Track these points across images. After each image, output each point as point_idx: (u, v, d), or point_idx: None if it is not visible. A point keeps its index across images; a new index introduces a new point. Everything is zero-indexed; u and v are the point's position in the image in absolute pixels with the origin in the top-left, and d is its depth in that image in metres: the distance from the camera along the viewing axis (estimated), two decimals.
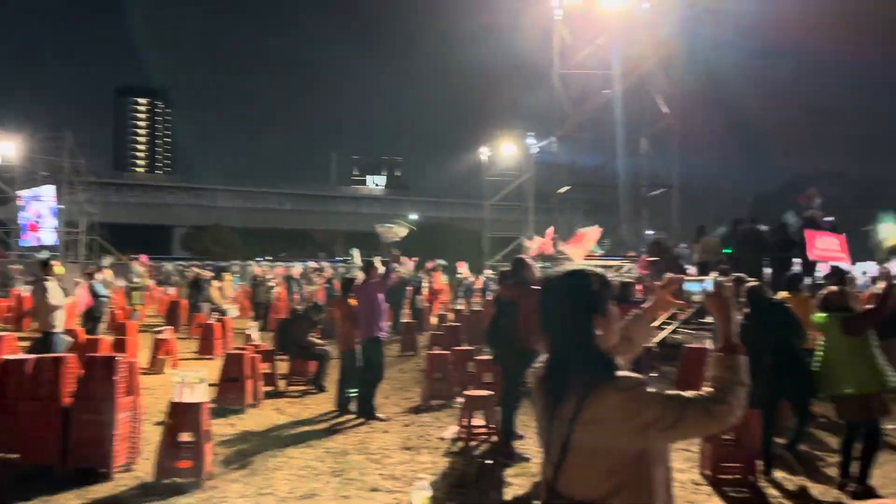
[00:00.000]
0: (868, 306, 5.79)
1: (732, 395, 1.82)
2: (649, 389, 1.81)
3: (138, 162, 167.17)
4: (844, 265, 12.86)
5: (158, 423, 6.24)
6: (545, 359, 1.99)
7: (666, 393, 1.83)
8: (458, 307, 16.95)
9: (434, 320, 15.82)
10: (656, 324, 13.45)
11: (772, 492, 5.52)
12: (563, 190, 18.65)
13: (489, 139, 33.02)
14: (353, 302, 8.27)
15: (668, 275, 2.35)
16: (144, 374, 9.52)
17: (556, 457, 1.85)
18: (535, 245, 14.38)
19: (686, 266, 17.13)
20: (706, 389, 1.86)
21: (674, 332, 13.75)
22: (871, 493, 5.23)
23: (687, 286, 2.77)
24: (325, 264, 25.33)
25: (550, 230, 14.37)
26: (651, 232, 20.17)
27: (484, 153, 33.71)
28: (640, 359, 8.56)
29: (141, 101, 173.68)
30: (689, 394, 1.85)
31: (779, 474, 5.83)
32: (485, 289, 18.22)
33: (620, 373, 1.87)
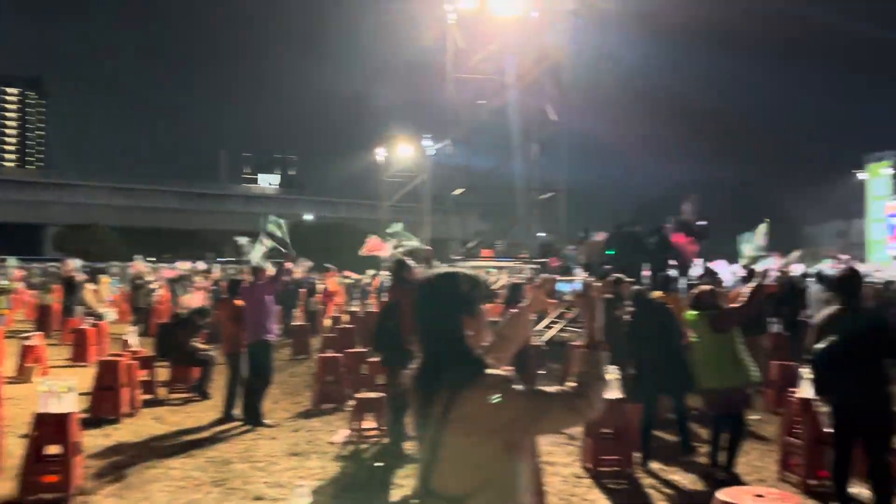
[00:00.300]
0: (734, 304, 6.19)
1: (593, 390, 1.92)
2: (515, 386, 1.87)
3: (7, 156, 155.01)
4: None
5: (24, 436, 5.80)
6: (418, 359, 2.02)
7: (531, 389, 1.91)
8: (353, 309, 16.79)
9: (328, 322, 15.60)
10: (544, 323, 13.95)
11: (647, 481, 5.81)
12: (457, 192, 18.89)
13: (386, 140, 33.00)
14: (239, 304, 8.02)
15: (543, 275, 2.43)
16: (10, 383, 8.85)
17: (429, 455, 1.89)
18: (370, 244, 14.49)
19: (573, 266, 17.84)
20: (569, 384, 1.94)
21: (561, 330, 14.27)
22: (736, 481, 5.61)
23: (560, 286, 2.89)
24: (212, 265, 24.40)
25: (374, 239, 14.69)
26: (543, 234, 20.84)
27: (381, 154, 33.63)
28: (528, 356, 8.89)
29: (10, 91, 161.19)
30: (552, 389, 1.93)
31: (654, 465, 6.15)
32: (380, 290, 18.15)
33: (489, 371, 1.92)
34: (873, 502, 4.72)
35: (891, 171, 39.05)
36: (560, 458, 6.48)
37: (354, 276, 21.17)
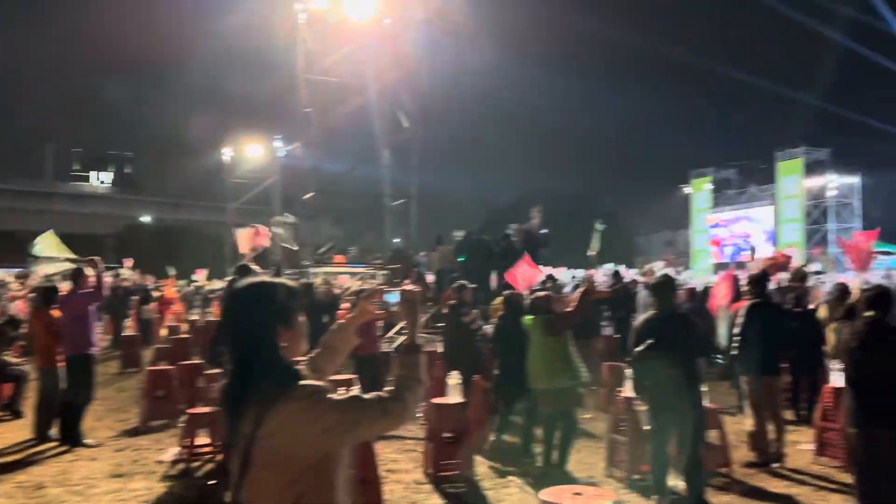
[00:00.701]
0: (567, 309, 6.48)
1: (410, 393, 1.90)
2: (328, 396, 1.83)
3: None
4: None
5: None
6: (228, 371, 1.92)
7: (344, 397, 1.87)
8: (193, 317, 15.88)
9: (164, 332, 14.64)
10: (395, 330, 13.91)
11: (486, 483, 5.92)
12: (308, 196, 18.49)
13: (233, 139, 31.64)
14: (55, 314, 7.29)
15: (370, 286, 2.39)
16: None
17: (238, 471, 1.80)
18: (245, 239, 13.62)
19: (425, 273, 18.05)
20: (386, 388, 1.92)
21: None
22: (568, 479, 5.86)
23: (387, 297, 2.88)
24: (31, 270, 22.12)
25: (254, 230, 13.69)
26: (398, 240, 20.92)
27: (227, 153, 32.21)
28: (376, 363, 8.81)
29: None
30: (367, 395, 1.90)
31: (493, 466, 6.29)
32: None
33: (302, 382, 1.86)
34: (688, 493, 5.10)
35: (711, 186, 43.06)
36: (404, 465, 6.47)
37: (203, 279, 20.09)
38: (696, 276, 28.12)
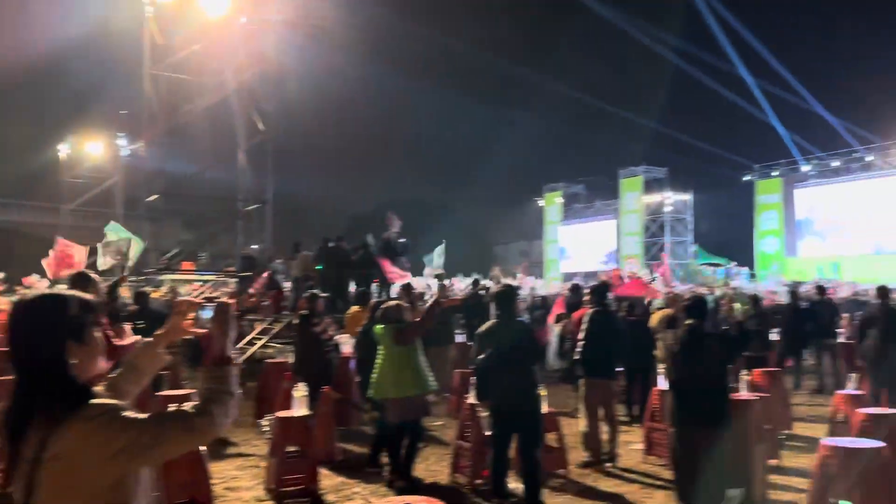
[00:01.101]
0: (416, 318, 6.50)
1: (217, 406, 1.80)
2: (123, 414, 1.71)
3: None
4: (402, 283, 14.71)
5: None
6: (11, 390, 1.74)
7: (142, 415, 1.74)
8: None
9: None
10: (245, 341, 13.36)
11: (330, 497, 5.80)
12: (153, 198, 17.39)
13: (70, 135, 29.20)
14: None
15: (182, 301, 2.23)
16: None
17: (22, 499, 1.65)
18: (52, 264, 12.53)
19: (282, 281, 17.54)
20: (192, 403, 1.84)
21: (263, 346, 13.89)
22: (414, 486, 5.88)
23: (203, 312, 2.73)
24: None
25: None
26: (255, 246, 20.18)
27: (63, 150, 29.69)
28: None
29: None
30: (168, 412, 1.84)
31: (338, 479, 6.18)
32: None
33: (94, 402, 1.72)
34: (525, 495, 5.26)
35: (561, 200, 45.36)
36: (245, 482, 6.21)
37: (36, 286, 18.26)
38: (547, 285, 29.43)
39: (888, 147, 31.37)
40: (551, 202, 46.16)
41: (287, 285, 16.34)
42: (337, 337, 8.60)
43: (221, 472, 6.40)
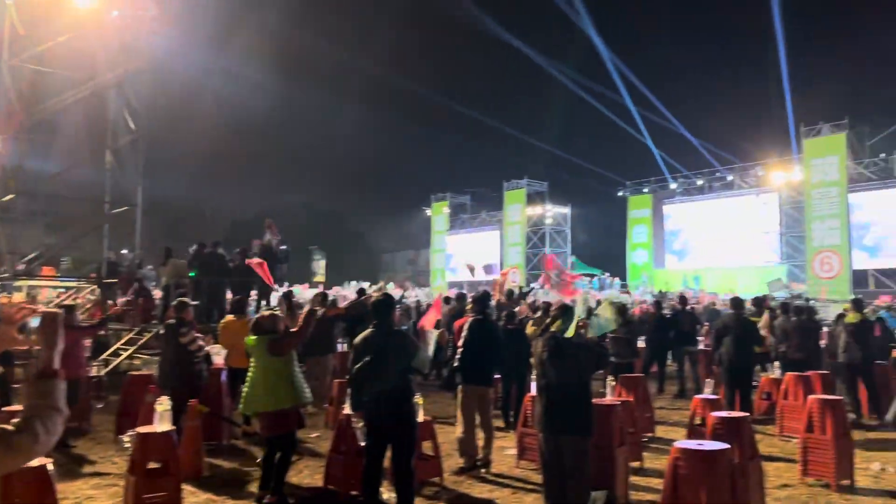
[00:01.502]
0: (293, 329, 6.34)
1: (41, 423, 1.68)
2: None
3: None
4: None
5: None
6: None
7: None
8: None
9: None
10: (109, 352, 12.56)
11: None
12: (8, 198, 16.00)
13: None
14: None
15: (13, 305, 2.05)
16: None
17: None
18: None
19: (152, 288, 16.63)
20: (13, 420, 1.68)
21: (129, 358, 13.12)
22: (283, 501, 5.71)
23: (32, 321, 2.52)
24: None
25: None
26: (124, 252, 18.99)
27: None
28: (78, 388, 7.84)
29: None
30: None
31: (204, 496, 5.91)
32: None
33: None
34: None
35: (448, 209, 45.98)
36: (101, 501, 5.82)
37: None
38: (432, 293, 29.64)
39: (746, 168, 34.09)
40: (438, 212, 46.68)
41: (158, 293, 15.52)
42: (208, 347, 8.25)
43: (76, 492, 5.97)
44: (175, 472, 5.59)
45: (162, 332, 8.08)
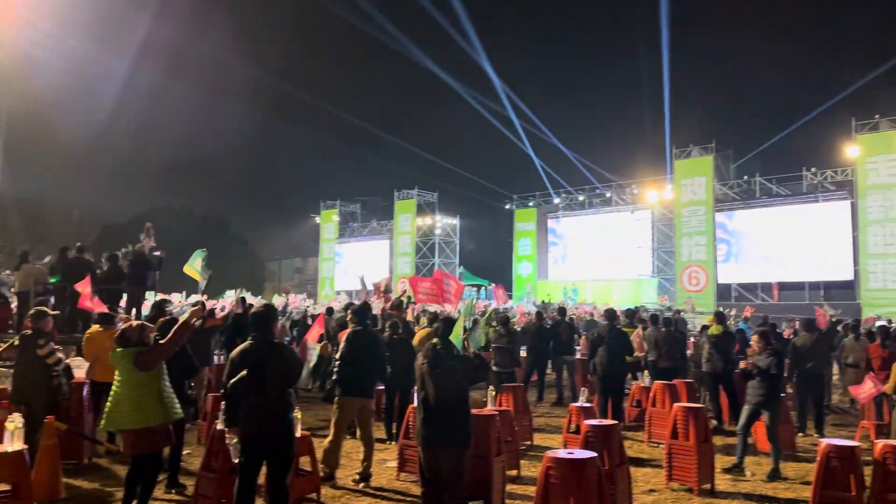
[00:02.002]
0: (161, 341, 6.01)
1: None
2: None
3: None
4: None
5: None
6: None
7: None
8: None
9: None
10: None
11: None
12: None
13: None
14: None
15: None
16: None
17: None
18: None
19: (8, 295, 15.33)
20: None
21: None
22: None
23: None
24: None
25: None
26: None
27: None
28: None
29: None
30: None
31: None
32: None
33: None
34: None
35: (338, 218, 45.46)
36: None
37: None
38: (319, 303, 29.14)
39: (622, 186, 35.96)
40: (328, 219, 46.07)
41: (13, 298, 14.34)
42: (70, 359, 7.69)
43: None
44: (26, 495, 5.15)
45: (17, 342, 7.44)
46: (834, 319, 15.18)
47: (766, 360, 7.37)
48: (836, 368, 13.26)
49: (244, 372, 5.08)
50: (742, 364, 7.75)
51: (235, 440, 5.19)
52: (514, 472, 6.93)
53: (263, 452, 5.08)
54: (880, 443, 5.67)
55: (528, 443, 8.58)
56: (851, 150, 26.78)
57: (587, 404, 8.26)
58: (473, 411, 5.44)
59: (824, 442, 5.75)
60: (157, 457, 5.61)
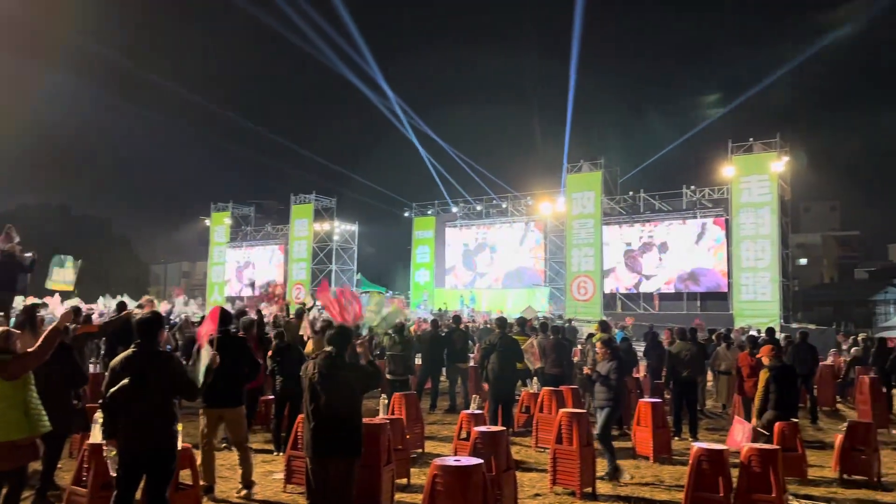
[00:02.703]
0: (29, 349, 5.61)
1: None
2: None
3: None
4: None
5: None
6: None
7: None
8: None
9: None
10: None
11: None
12: None
13: None
14: None
15: None
16: None
17: None
18: None
19: None
20: None
21: None
22: None
23: None
24: None
25: None
26: None
27: None
28: None
29: None
30: None
31: None
32: None
33: None
34: None
35: (230, 221, 44.01)
36: None
37: None
38: (207, 309, 28.07)
39: (518, 197, 36.94)
40: (219, 222, 44.50)
41: None
42: None
43: None
44: None
45: None
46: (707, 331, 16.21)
47: (606, 366, 7.76)
48: (710, 375, 14.16)
49: (125, 381, 4.84)
50: (585, 370, 8.11)
51: (114, 452, 4.94)
52: (403, 481, 6.94)
53: (143, 466, 4.85)
54: (746, 446, 6.09)
55: (420, 451, 8.62)
56: (727, 170, 28.72)
57: (478, 411, 8.39)
58: (364, 420, 5.41)
59: (696, 446, 6.10)
60: (21, 473, 5.24)
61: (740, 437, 8.52)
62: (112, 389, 4.86)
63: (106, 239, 54.64)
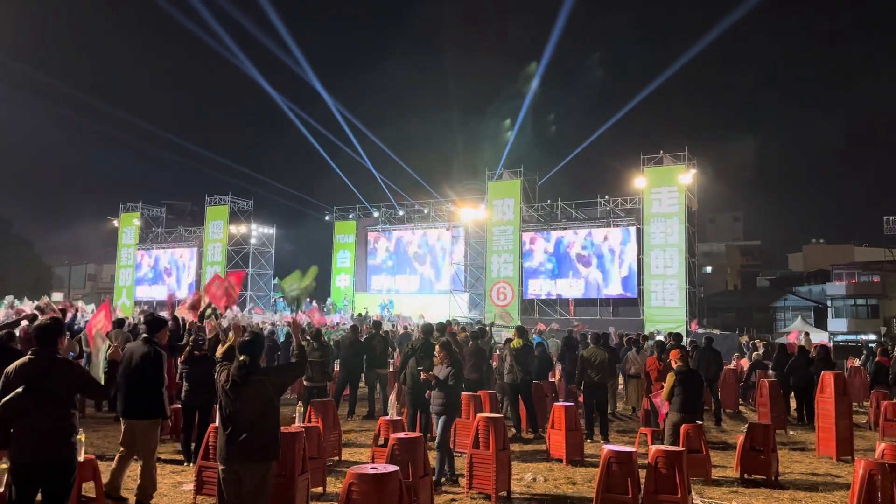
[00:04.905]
0: None
1: None
2: None
3: None
4: None
5: None
6: None
7: None
8: None
9: None
10: None
11: None
12: None
13: None
14: None
15: None
16: None
17: None
18: None
19: None
20: None
21: None
22: None
23: None
24: None
25: None
26: None
27: None
28: None
29: None
30: None
31: None
32: None
33: None
34: None
35: (139, 222, 42.27)
36: None
37: None
38: (115, 313, 26.87)
39: (440, 203, 37.16)
40: (128, 223, 42.68)
41: None
42: None
43: None
44: None
45: None
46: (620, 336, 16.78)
47: (445, 370, 7.89)
48: (620, 379, 14.66)
49: (20, 390, 4.57)
50: (423, 375, 8.17)
51: (6, 465, 4.66)
52: (319, 490, 6.84)
53: (38, 479, 4.59)
54: (653, 448, 6.33)
55: (337, 458, 8.52)
56: (639, 181, 29.85)
57: (397, 417, 8.38)
58: (282, 429, 5.30)
59: (606, 448, 6.30)
60: None
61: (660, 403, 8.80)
62: (4, 398, 4.59)
63: (5, 239, 51.50)
